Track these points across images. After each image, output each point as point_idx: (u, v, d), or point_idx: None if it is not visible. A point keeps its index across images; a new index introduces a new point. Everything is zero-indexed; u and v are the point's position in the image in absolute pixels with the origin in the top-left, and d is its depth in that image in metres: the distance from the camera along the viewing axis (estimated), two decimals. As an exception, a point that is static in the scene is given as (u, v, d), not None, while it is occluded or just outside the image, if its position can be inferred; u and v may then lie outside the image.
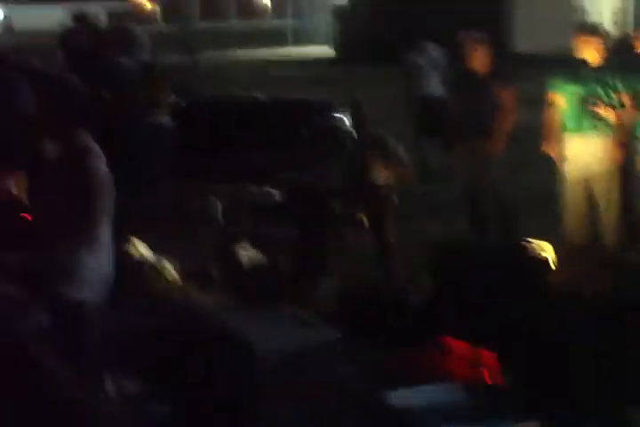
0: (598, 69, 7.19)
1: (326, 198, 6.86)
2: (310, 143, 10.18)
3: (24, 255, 4.30)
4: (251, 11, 55.75)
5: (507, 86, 7.79)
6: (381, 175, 6.74)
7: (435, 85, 10.72)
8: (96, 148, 4.38)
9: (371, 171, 6.73)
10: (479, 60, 7.72)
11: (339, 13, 33.13)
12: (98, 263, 4.35)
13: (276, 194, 7.28)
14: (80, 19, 11.90)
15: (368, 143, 6.92)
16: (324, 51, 33.10)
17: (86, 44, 10.68)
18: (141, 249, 7.00)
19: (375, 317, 5.82)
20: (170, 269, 6.96)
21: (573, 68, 7.31)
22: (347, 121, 10.52)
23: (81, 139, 4.36)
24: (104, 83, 7.74)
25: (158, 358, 4.60)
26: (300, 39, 37.89)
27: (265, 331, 3.89)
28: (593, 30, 7.41)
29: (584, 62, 7.20)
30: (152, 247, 7.13)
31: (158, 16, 54.73)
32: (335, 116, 10.85)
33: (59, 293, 4.24)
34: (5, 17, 41.10)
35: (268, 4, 59.19)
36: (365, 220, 6.77)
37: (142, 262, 6.87)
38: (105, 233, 4.36)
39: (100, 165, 4.33)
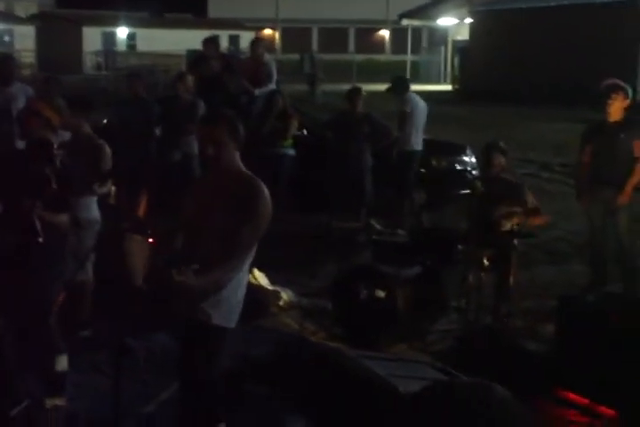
0: None
1: (452, 239, 6.79)
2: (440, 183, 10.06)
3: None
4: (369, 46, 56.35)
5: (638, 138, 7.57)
6: (508, 219, 6.64)
7: None
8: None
9: (498, 215, 6.64)
10: (616, 110, 7.53)
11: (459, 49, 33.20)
12: (234, 291, 4.41)
13: (402, 233, 7.21)
14: (211, 43, 11.41)
15: (496, 187, 6.83)
16: (442, 87, 33.11)
17: (217, 70, 10.57)
18: (261, 279, 7.07)
19: (489, 361, 5.69)
20: (285, 299, 7.01)
21: None
22: (474, 163, 10.41)
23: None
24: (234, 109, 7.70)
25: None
26: (418, 75, 38.01)
27: (406, 376, 3.86)
28: None
29: None
30: (271, 278, 7.20)
31: (279, 46, 55.74)
32: (465, 159, 10.71)
33: (208, 316, 4.31)
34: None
35: (387, 39, 59.72)
36: (487, 262, 6.65)
37: (261, 290, 6.94)
38: (246, 265, 4.42)
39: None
